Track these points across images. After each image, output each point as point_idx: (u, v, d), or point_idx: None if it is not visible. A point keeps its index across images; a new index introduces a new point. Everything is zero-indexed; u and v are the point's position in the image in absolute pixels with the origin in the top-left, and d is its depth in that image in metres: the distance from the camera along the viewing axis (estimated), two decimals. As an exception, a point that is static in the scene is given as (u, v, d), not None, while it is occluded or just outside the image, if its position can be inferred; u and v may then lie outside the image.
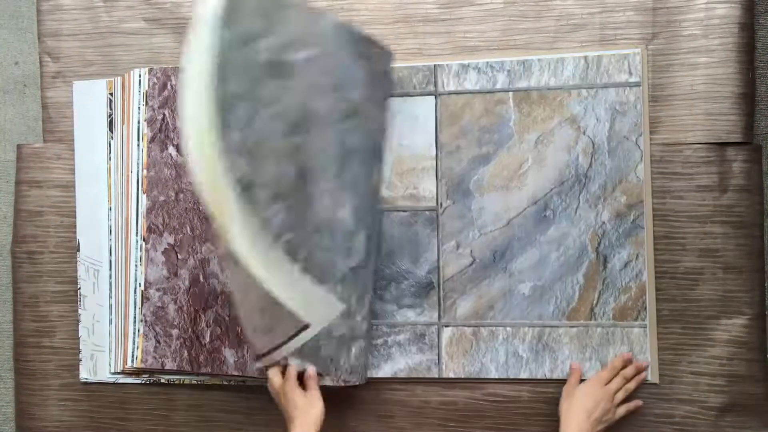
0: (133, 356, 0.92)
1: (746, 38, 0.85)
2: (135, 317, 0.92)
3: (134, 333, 0.92)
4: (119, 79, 0.94)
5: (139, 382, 0.94)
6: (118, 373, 0.94)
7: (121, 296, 0.93)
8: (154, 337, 0.90)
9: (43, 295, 0.97)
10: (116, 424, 0.95)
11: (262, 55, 0.69)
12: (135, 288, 0.92)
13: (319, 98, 0.73)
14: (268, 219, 0.71)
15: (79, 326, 0.95)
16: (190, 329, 0.90)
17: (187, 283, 0.90)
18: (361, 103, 0.75)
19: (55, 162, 0.97)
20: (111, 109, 0.95)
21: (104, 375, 0.95)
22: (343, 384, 0.84)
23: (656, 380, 0.85)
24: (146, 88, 0.92)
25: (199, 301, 0.90)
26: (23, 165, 0.98)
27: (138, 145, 0.93)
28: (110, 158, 0.95)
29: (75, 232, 0.96)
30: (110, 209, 0.94)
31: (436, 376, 0.89)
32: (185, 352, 0.90)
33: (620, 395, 0.82)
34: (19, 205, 0.98)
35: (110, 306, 0.94)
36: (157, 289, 0.91)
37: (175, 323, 0.90)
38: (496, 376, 0.88)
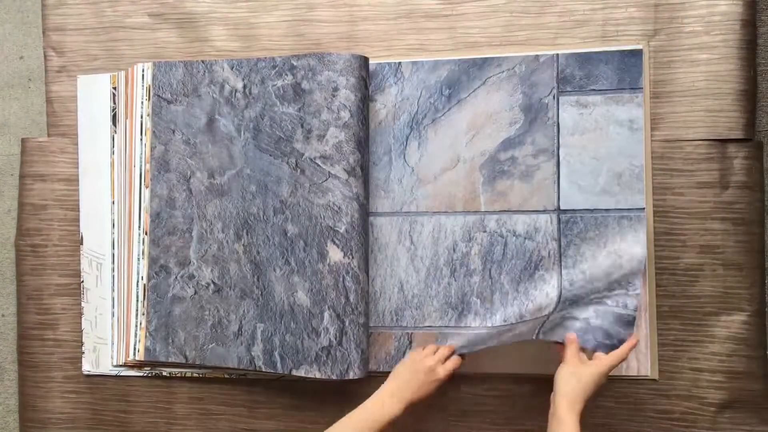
0: (135, 349, 0.93)
1: (748, 35, 0.85)
2: (137, 310, 0.93)
3: (136, 326, 0.93)
4: (123, 73, 0.95)
5: (141, 374, 0.95)
6: (121, 366, 0.95)
7: (124, 289, 0.94)
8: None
9: (46, 288, 0.98)
10: (118, 416, 0.96)
11: (199, 186, 0.90)
12: (137, 281, 0.93)
13: (252, 202, 0.88)
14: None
15: (82, 319, 0.96)
16: None
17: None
18: (289, 195, 0.86)
19: (59, 156, 0.98)
20: (114, 103, 0.95)
21: (107, 367, 0.96)
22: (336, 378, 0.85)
23: (656, 376, 0.86)
24: (149, 82, 0.93)
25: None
26: (27, 159, 0.98)
27: (141, 139, 0.93)
28: (113, 152, 0.95)
29: (78, 226, 0.97)
30: (113, 203, 0.95)
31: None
32: None
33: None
34: (23, 198, 0.98)
35: (113, 299, 0.95)
36: None
37: None
38: (499, 371, 0.88)
